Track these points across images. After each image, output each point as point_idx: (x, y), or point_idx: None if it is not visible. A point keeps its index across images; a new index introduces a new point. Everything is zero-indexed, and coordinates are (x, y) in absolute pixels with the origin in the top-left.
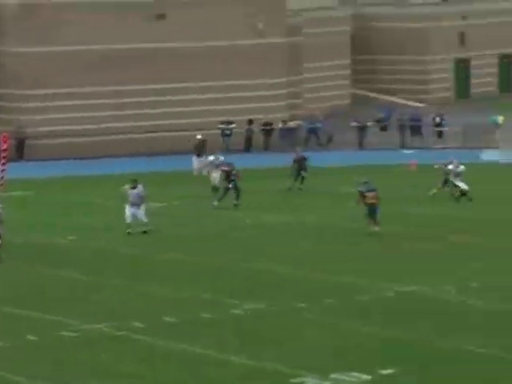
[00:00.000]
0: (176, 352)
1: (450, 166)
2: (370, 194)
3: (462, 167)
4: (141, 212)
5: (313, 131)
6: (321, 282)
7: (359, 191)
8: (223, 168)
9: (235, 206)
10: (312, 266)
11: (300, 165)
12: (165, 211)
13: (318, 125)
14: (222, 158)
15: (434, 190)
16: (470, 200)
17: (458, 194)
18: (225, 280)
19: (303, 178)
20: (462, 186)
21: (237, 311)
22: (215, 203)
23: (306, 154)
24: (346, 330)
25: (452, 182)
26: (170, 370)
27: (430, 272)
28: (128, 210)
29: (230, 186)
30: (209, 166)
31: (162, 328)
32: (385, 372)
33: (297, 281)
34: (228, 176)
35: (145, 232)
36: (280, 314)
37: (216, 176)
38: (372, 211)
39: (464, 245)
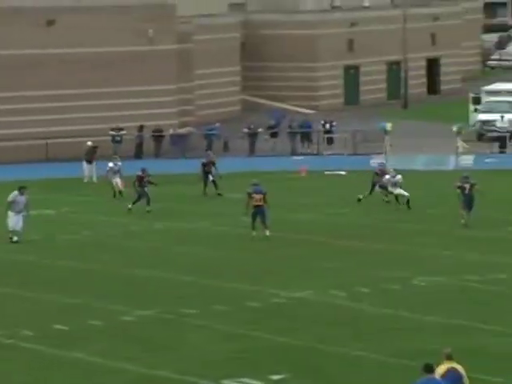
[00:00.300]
0: (67, 360)
1: (387, 176)
2: (256, 196)
3: (398, 176)
4: (21, 219)
5: (209, 137)
6: (211, 287)
7: (247, 193)
8: (138, 173)
9: (148, 212)
10: (202, 272)
11: (208, 168)
12: (55, 218)
13: (214, 131)
14: (119, 163)
15: (360, 196)
16: (409, 208)
17: (386, 198)
18: (115, 287)
19: (214, 182)
20: (403, 193)
21: (127, 318)
22: (130, 206)
23: (214, 159)
24: (236, 336)
25: (385, 188)
26: (61, 379)
27: (320, 277)
28: (12, 218)
29: (145, 190)
30: (109, 173)
31: (52, 336)
32: (276, 377)
33: (186, 287)
34: (141, 181)
35: (16, 241)
36: (170, 321)
37: (117, 181)
38: (256, 213)
39: (352, 250)
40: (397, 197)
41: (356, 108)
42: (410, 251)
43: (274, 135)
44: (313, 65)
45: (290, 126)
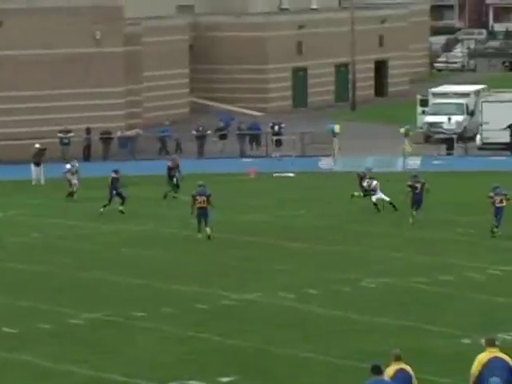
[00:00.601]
0: (16, 362)
1: (365, 183)
2: (199, 198)
3: (374, 182)
4: None
5: (162, 139)
6: (160, 290)
7: (192, 195)
8: (112, 175)
9: (121, 212)
10: (151, 275)
11: (174, 172)
12: (3, 220)
13: (166, 133)
14: (77, 164)
15: (356, 193)
16: (396, 209)
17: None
18: (63, 290)
19: (177, 185)
20: (384, 197)
21: (76, 321)
22: (101, 209)
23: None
24: (185, 338)
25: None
26: (11, 381)
27: (269, 279)
28: None
29: (114, 192)
30: (68, 174)
31: (1, 338)
32: (225, 380)
33: (135, 289)
34: (115, 183)
35: None
36: (119, 324)
37: (76, 183)
38: (200, 215)
39: (302, 252)
40: (375, 204)
41: (304, 110)
42: (359, 253)
43: (222, 137)
44: (261, 67)
45: (238, 128)
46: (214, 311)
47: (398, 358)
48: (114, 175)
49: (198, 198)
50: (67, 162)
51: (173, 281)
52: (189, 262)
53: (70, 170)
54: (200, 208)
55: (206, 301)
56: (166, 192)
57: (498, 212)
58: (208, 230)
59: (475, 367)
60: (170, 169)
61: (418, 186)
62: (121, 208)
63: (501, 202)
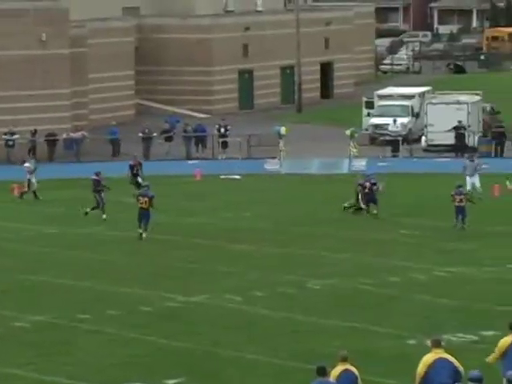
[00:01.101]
0: None
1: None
2: (141, 199)
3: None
4: None
5: (112, 141)
6: (104, 292)
7: (136, 196)
8: (93, 177)
9: (85, 214)
10: (96, 277)
11: (137, 170)
12: None
13: (115, 134)
14: (29, 165)
15: (346, 204)
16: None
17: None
18: (7, 292)
19: (139, 184)
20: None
21: (19, 324)
22: (87, 210)
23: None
24: (130, 340)
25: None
26: None
27: (216, 281)
28: None
29: (102, 195)
30: (28, 174)
31: None
32: (171, 382)
33: (80, 292)
34: (96, 185)
35: None
36: (63, 326)
37: (34, 182)
38: (140, 215)
39: (248, 254)
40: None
41: (250, 112)
42: (305, 255)
43: (168, 139)
44: (207, 69)
45: (184, 131)
46: (160, 313)
47: (343, 359)
48: (94, 177)
49: (140, 198)
50: (24, 162)
51: (118, 283)
52: (134, 264)
53: (29, 169)
54: (141, 208)
55: (152, 303)
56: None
57: (459, 211)
58: (142, 231)
59: (421, 368)
60: (131, 167)
61: (367, 185)
62: (87, 210)
63: (460, 201)
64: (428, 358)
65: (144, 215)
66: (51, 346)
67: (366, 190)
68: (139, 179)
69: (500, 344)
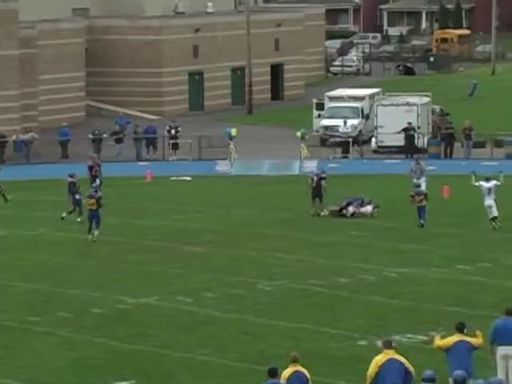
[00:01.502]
0: None
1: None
2: (89, 200)
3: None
4: None
5: (63, 142)
6: (55, 294)
7: (86, 197)
8: (69, 179)
9: (62, 218)
10: (46, 279)
11: (95, 172)
12: None
13: (66, 136)
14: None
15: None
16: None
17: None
18: None
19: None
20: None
21: None
22: (64, 214)
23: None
24: (81, 342)
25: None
26: None
27: (167, 283)
28: None
29: (77, 197)
30: None
31: None
32: None
33: (30, 294)
34: (72, 188)
35: None
36: (13, 328)
37: None
38: (91, 217)
39: (199, 255)
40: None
41: (201, 113)
42: (256, 256)
43: (118, 141)
44: (157, 70)
45: (135, 132)
46: (111, 315)
47: (294, 361)
48: (70, 179)
49: (88, 199)
50: None
51: (68, 285)
52: (85, 266)
53: None
54: (90, 210)
55: (103, 305)
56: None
57: (420, 211)
58: (96, 232)
59: (372, 369)
60: (90, 168)
61: (315, 178)
62: (64, 215)
63: (420, 201)
64: (379, 359)
65: (93, 216)
66: (1, 349)
67: (313, 185)
68: (97, 181)
69: (442, 342)
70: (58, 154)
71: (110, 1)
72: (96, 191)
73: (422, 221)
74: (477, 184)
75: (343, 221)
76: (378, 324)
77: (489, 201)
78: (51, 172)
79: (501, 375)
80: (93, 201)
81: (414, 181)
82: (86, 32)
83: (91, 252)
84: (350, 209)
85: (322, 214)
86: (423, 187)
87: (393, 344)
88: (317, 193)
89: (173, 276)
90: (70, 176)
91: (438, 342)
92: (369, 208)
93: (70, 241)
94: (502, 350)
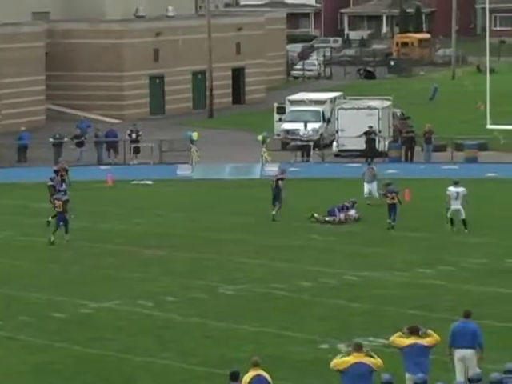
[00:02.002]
0: None
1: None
2: (57, 203)
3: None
4: None
5: (21, 146)
6: (16, 299)
7: (53, 199)
8: (49, 183)
9: (48, 222)
10: (6, 283)
11: (62, 176)
12: None
13: (25, 140)
14: None
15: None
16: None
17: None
18: None
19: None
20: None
21: None
22: (49, 218)
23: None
24: (42, 347)
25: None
26: None
27: (128, 287)
28: None
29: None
30: None
31: None
32: None
33: None
34: (54, 191)
35: None
36: None
37: None
38: (59, 219)
39: (160, 259)
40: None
41: (162, 117)
42: (217, 260)
43: (79, 145)
44: (118, 74)
45: (95, 136)
46: (72, 320)
47: (255, 365)
48: (50, 183)
49: (56, 202)
50: None
51: (29, 289)
52: (46, 270)
53: None
54: (59, 212)
55: (64, 309)
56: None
57: (392, 209)
58: (67, 237)
59: (339, 364)
60: (56, 172)
61: (274, 180)
62: (49, 218)
63: (393, 198)
64: (347, 360)
65: (61, 219)
66: None
67: (273, 185)
68: (64, 185)
69: (398, 341)
70: (16, 158)
71: (71, 5)
72: (65, 194)
73: (392, 222)
74: (447, 192)
75: (305, 225)
76: (339, 327)
77: (457, 205)
78: (9, 176)
79: (459, 378)
80: (60, 203)
81: (365, 185)
82: (46, 36)
83: (53, 256)
84: (342, 216)
85: (316, 215)
86: (374, 192)
87: (363, 348)
88: (275, 194)
89: (134, 280)
90: (51, 179)
91: (395, 339)
92: (353, 212)
93: (32, 245)
94: (459, 353)
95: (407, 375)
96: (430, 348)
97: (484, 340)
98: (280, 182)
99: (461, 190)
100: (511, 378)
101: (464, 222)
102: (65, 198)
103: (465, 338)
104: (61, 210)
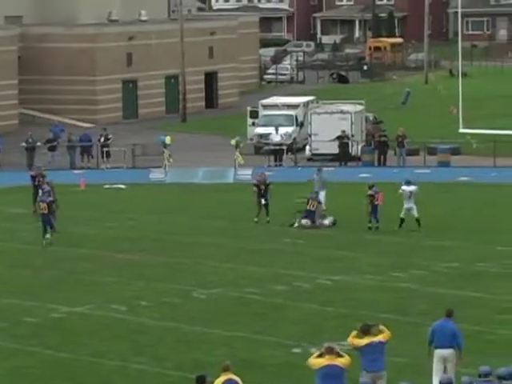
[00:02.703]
0: None
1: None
2: (41, 205)
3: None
4: None
5: None
6: None
7: (38, 201)
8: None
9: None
10: None
11: (39, 181)
12: None
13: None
14: None
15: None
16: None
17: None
18: None
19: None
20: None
21: None
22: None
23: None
24: (14, 351)
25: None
26: None
27: (101, 291)
28: None
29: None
30: None
31: None
32: None
33: None
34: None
35: None
36: None
37: None
38: (44, 222)
39: (133, 263)
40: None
41: (135, 121)
42: (190, 264)
43: (52, 149)
44: (91, 78)
45: (69, 140)
46: (44, 324)
47: (226, 369)
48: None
49: (40, 204)
50: None
51: (1, 294)
52: (18, 275)
53: None
54: (43, 214)
55: (36, 314)
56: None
57: (375, 209)
58: (47, 236)
59: (313, 363)
60: (33, 178)
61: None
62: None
63: (376, 200)
64: (320, 361)
65: (46, 221)
66: None
67: (254, 189)
68: (45, 187)
69: (356, 341)
70: None
71: (44, 9)
72: (49, 195)
73: (376, 223)
74: (400, 191)
75: (278, 229)
76: (312, 331)
77: (409, 204)
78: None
79: (435, 378)
80: (44, 205)
81: (315, 190)
82: (19, 40)
83: (25, 261)
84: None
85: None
86: (322, 200)
87: (335, 350)
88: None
89: (106, 284)
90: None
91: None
92: (326, 221)
93: (3, 250)
94: (439, 353)
95: (363, 372)
96: (385, 344)
97: (463, 341)
98: (268, 186)
99: (413, 188)
100: (487, 381)
101: (418, 220)
102: (49, 199)
103: (445, 338)
104: (46, 211)
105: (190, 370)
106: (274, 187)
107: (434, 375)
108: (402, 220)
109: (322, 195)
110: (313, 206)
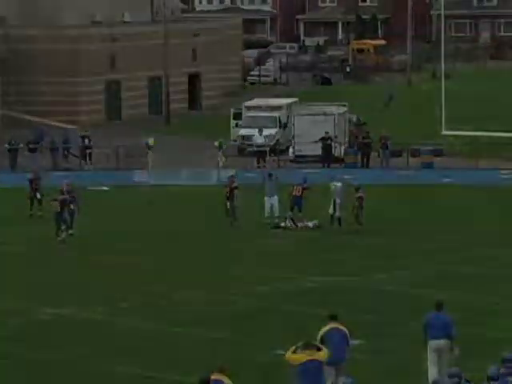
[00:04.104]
0: None
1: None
2: (53, 203)
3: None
4: None
5: None
6: None
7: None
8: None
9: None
10: None
11: (36, 185)
12: None
13: None
14: None
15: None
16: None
17: None
18: None
19: (40, 200)
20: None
21: None
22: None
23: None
24: None
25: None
26: None
27: (82, 293)
28: None
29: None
30: None
31: None
32: None
33: None
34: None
35: None
36: None
37: None
38: (59, 219)
39: (113, 264)
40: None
41: (118, 123)
42: (174, 265)
43: (34, 150)
44: (74, 80)
45: (51, 142)
46: (29, 326)
47: (221, 370)
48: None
49: (53, 203)
50: None
51: None
52: (1, 277)
53: None
54: (55, 213)
55: (20, 315)
56: (30, 208)
57: (361, 208)
58: (64, 234)
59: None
60: (30, 181)
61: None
62: (40, 213)
63: (362, 200)
64: (299, 358)
65: (61, 219)
66: None
67: (227, 191)
68: (38, 195)
69: (295, 356)
70: None
71: (27, 10)
72: (63, 194)
73: (361, 219)
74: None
75: (262, 230)
76: (297, 333)
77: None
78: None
79: (432, 369)
80: (56, 203)
81: (266, 199)
82: (1, 41)
83: (9, 262)
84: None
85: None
86: (275, 206)
87: (315, 345)
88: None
89: (90, 286)
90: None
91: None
92: (310, 223)
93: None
94: (434, 344)
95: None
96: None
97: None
98: (235, 190)
99: (339, 184)
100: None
101: (339, 219)
102: (61, 197)
103: (438, 328)
104: (58, 210)
105: (175, 373)
106: (253, 189)
107: (429, 366)
108: (332, 216)
109: (274, 199)
110: (298, 191)
